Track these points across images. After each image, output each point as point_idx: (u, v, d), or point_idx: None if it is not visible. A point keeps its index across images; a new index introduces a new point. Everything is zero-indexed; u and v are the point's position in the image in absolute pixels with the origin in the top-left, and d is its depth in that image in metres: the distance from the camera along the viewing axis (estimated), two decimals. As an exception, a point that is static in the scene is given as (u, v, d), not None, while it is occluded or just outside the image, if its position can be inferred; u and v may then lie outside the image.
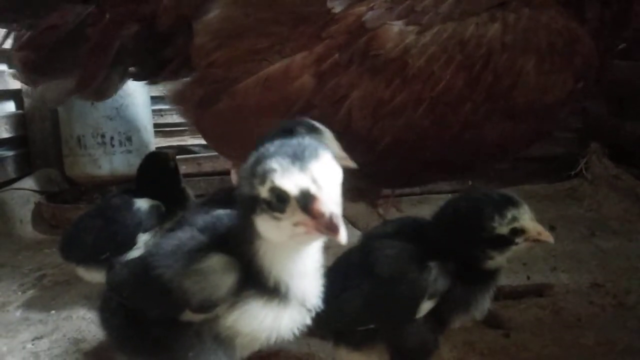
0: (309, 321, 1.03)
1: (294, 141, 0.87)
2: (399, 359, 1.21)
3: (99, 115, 2.89)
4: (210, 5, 1.50)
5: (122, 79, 1.72)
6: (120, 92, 2.85)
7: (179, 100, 1.65)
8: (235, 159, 1.74)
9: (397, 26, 1.38)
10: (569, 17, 1.43)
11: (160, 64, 1.64)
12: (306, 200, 0.80)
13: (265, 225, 0.88)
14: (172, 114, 3.55)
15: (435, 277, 1.14)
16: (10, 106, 3.31)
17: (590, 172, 3.10)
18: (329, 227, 0.79)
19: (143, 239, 1.85)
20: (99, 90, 1.69)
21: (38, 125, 3.30)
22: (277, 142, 0.88)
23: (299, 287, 0.98)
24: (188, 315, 1.02)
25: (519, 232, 1.16)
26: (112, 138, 2.94)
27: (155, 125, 3.30)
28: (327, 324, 1.20)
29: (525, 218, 1.15)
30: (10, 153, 3.20)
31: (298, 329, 1.03)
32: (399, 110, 1.40)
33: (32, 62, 1.59)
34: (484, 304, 1.23)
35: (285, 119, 1.40)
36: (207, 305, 0.99)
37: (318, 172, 0.82)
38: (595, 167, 3.08)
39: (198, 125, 1.68)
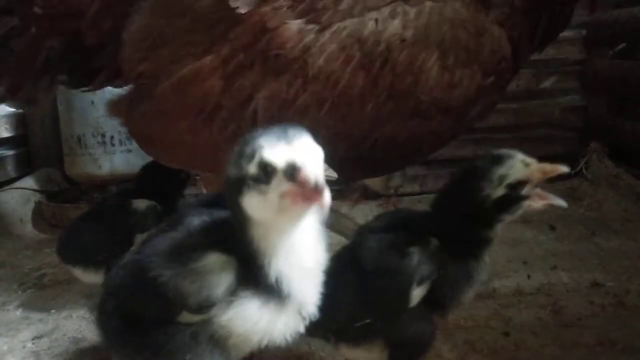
0: (302, 329, 1.04)
1: (278, 127, 0.91)
2: (398, 352, 1.21)
3: (99, 115, 2.88)
4: (134, 17, 1.50)
5: (51, 87, 1.73)
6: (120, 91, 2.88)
7: (115, 111, 1.66)
8: (161, 159, 1.77)
9: (297, 25, 1.36)
10: (474, 9, 1.38)
11: (90, 74, 1.65)
12: (292, 171, 0.84)
13: (252, 202, 0.90)
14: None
15: (418, 262, 1.13)
16: (10, 105, 3.31)
17: (590, 172, 3.09)
18: (315, 191, 0.83)
19: (140, 239, 1.85)
20: (28, 97, 1.73)
21: (38, 124, 3.30)
22: (262, 129, 0.92)
23: (299, 287, 0.99)
24: (185, 317, 1.02)
25: (518, 185, 1.11)
26: (112, 137, 2.93)
27: (156, 125, 3.29)
28: (324, 323, 1.21)
29: (516, 169, 1.11)
30: (11, 152, 3.20)
31: (291, 335, 1.03)
32: (303, 111, 1.38)
33: None
34: (484, 272, 1.22)
35: (198, 120, 1.44)
36: (205, 305, 0.98)
37: (302, 147, 0.87)
38: (595, 166, 3.08)
39: (129, 130, 1.69)
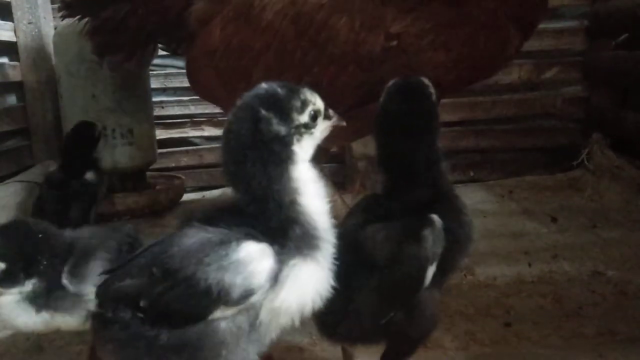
0: (332, 281, 1.05)
1: (272, 85, 1.07)
2: (405, 340, 1.21)
3: (100, 108, 2.88)
4: (194, 2, 2.06)
5: (154, 53, 2.39)
6: (121, 84, 2.88)
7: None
8: (194, 90, 2.35)
9: None
10: None
11: (177, 42, 2.24)
12: (326, 111, 1.12)
13: (305, 144, 1.07)
14: (173, 106, 3.55)
15: (433, 242, 1.13)
16: (11, 99, 3.31)
17: (592, 163, 3.09)
18: (339, 119, 1.15)
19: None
20: (139, 61, 2.33)
21: (40, 117, 3.31)
22: (260, 90, 1.07)
23: (326, 232, 1.05)
24: (219, 312, 0.99)
25: None
26: (113, 130, 2.92)
27: (157, 118, 3.29)
28: (351, 331, 1.20)
29: None
30: (12, 145, 3.21)
31: (326, 291, 1.05)
32: (258, 54, 1.84)
33: (98, 42, 2.25)
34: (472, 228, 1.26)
35: (206, 57, 1.99)
36: (247, 295, 0.97)
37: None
38: (597, 157, 3.08)
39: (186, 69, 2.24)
